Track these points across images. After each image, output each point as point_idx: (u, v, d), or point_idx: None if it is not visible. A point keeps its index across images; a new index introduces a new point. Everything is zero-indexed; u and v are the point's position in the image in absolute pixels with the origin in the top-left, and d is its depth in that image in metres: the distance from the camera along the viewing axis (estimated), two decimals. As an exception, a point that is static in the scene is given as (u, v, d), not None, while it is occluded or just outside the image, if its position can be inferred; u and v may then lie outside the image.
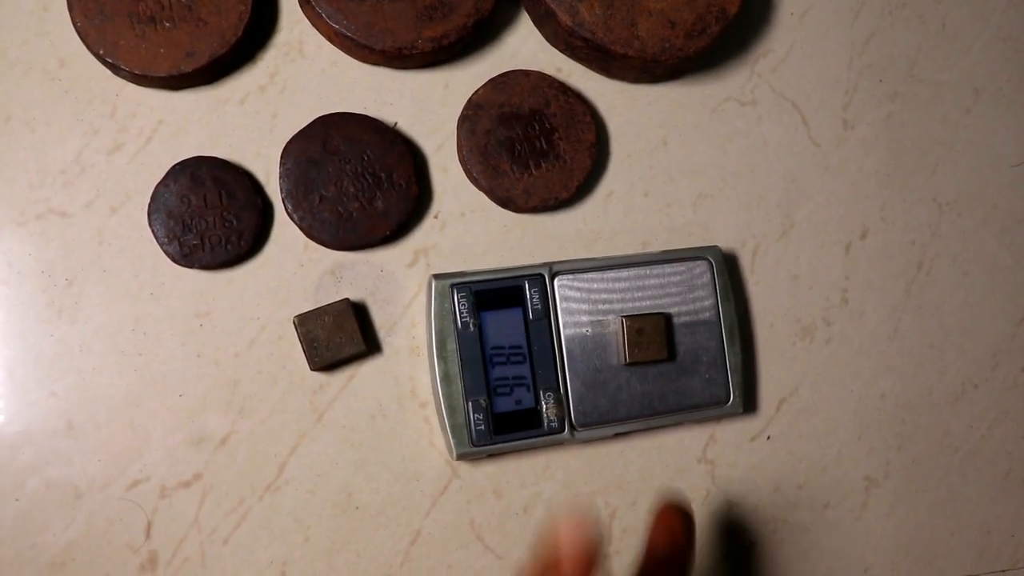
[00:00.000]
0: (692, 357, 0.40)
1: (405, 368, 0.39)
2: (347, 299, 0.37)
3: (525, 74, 0.40)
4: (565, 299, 0.39)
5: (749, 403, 0.43)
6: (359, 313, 0.39)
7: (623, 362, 0.39)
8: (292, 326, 0.38)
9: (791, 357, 0.44)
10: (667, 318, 0.40)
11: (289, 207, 0.38)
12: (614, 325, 0.39)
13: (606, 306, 0.39)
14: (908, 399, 0.46)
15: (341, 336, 0.37)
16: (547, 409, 0.38)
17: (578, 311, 0.39)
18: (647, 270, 0.40)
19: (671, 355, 0.40)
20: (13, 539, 0.35)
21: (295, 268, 0.38)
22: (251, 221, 0.38)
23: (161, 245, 0.37)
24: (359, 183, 0.38)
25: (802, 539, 0.44)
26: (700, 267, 0.41)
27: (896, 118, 0.47)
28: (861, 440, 0.45)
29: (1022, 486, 0.47)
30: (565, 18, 0.39)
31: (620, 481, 0.41)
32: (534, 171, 0.40)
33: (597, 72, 0.42)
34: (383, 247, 0.39)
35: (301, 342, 0.37)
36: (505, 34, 0.42)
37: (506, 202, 0.40)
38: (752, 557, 0.43)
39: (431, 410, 0.39)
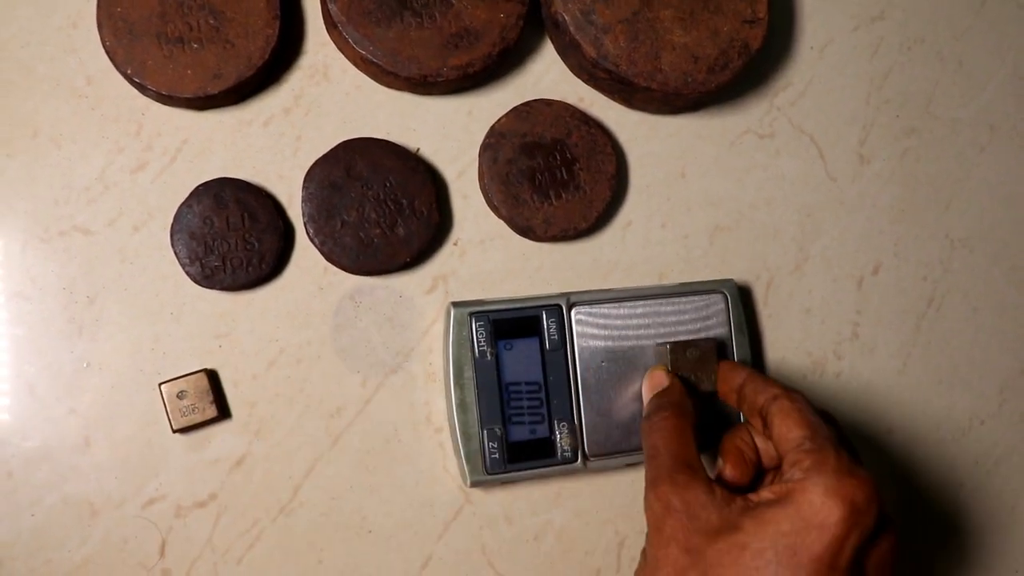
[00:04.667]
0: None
1: (421, 394, 0.39)
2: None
3: (548, 103, 0.41)
4: (582, 331, 0.39)
5: (759, 435, 0.44)
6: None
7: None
8: (308, 348, 0.38)
9: (801, 390, 0.44)
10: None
11: (311, 231, 0.38)
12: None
13: (622, 339, 0.39)
14: (915, 433, 0.46)
15: None
16: (561, 439, 0.39)
17: (594, 343, 0.39)
18: (663, 302, 0.40)
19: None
20: (29, 554, 0.36)
21: (315, 291, 0.39)
22: (272, 244, 0.38)
23: (183, 265, 0.37)
24: (381, 209, 0.38)
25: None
26: (715, 300, 0.41)
27: (912, 154, 0.47)
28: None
29: (1025, 523, 0.47)
30: (590, 49, 0.40)
31: (630, 510, 0.41)
32: (554, 201, 0.40)
33: (619, 103, 0.42)
34: (402, 273, 0.40)
35: None
36: (529, 63, 0.42)
37: (526, 231, 0.40)
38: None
39: (446, 436, 0.39)
